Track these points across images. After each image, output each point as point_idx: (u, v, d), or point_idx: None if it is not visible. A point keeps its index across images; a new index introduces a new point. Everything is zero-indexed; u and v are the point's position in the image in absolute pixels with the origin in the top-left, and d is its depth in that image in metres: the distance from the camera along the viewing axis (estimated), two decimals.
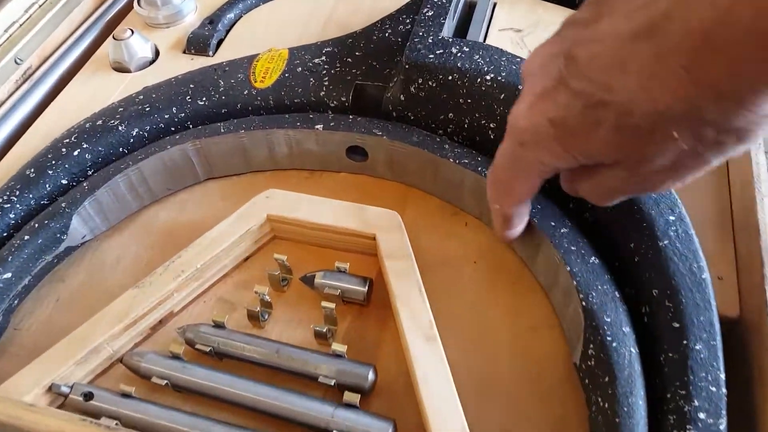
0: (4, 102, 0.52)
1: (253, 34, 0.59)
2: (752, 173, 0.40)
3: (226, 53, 0.57)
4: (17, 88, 0.53)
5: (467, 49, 0.45)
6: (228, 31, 0.59)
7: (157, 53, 0.58)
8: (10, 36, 0.53)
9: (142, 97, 0.49)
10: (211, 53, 0.57)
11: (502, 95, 0.43)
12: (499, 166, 0.34)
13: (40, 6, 0.54)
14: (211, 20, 0.58)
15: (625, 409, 0.32)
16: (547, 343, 0.39)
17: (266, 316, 0.42)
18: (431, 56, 0.45)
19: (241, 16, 0.61)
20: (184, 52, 0.57)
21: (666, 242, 0.36)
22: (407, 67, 0.45)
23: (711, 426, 0.31)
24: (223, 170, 0.49)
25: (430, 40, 0.46)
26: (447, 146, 0.44)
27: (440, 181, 0.46)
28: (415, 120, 0.47)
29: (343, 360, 0.38)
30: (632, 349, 0.34)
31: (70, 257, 0.46)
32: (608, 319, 0.35)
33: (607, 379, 0.33)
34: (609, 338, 0.34)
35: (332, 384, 0.37)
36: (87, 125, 0.47)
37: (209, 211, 0.48)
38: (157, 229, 0.47)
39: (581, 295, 0.36)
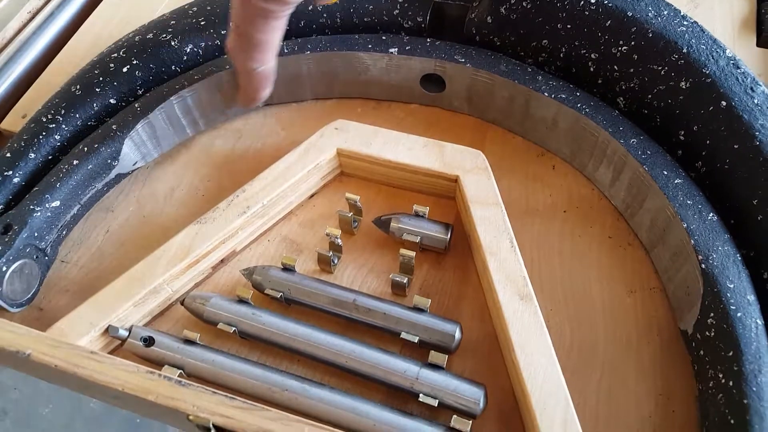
0: (41, 9, 0.47)
1: None
2: None
3: None
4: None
5: None
6: None
7: None
8: None
9: (196, 8, 0.44)
10: None
11: (608, 22, 0.38)
12: (236, 18, 0.33)
13: None
14: None
15: (754, 388, 0.28)
16: (649, 308, 0.36)
17: (336, 261, 0.38)
18: None
19: None
20: None
21: None
22: None
23: None
24: (283, 96, 0.45)
25: None
26: (540, 77, 0.39)
27: (529, 118, 0.41)
28: (502, 46, 0.42)
29: (426, 315, 0.34)
30: (758, 321, 0.30)
31: (119, 185, 0.42)
32: (731, 285, 0.31)
33: (731, 353, 0.30)
34: (733, 307, 0.30)
35: (415, 341, 0.34)
36: (136, 39, 0.42)
37: (268, 140, 0.44)
38: (212, 159, 0.43)
39: (700, 257, 0.32)
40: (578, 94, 0.38)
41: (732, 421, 0.28)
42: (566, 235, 0.39)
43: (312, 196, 0.41)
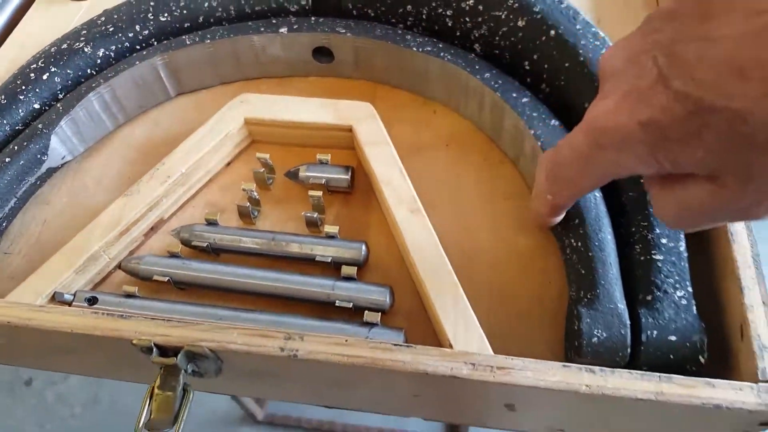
0: None
1: None
2: None
3: None
4: None
5: None
6: None
7: None
8: None
9: (104, 18, 0.49)
10: None
11: None
12: (564, 162, 0.31)
13: None
14: None
15: (596, 243, 0.35)
16: (521, 208, 0.43)
17: (256, 214, 0.44)
18: None
19: None
20: None
21: None
22: None
23: (672, 249, 0.35)
24: (193, 84, 0.50)
25: None
26: (409, 36, 0.46)
27: (406, 73, 0.47)
28: (375, 17, 0.48)
29: (336, 240, 0.40)
30: (596, 194, 0.37)
31: (51, 180, 0.46)
32: None
33: (577, 221, 0.36)
34: None
35: (329, 261, 0.39)
36: (52, 49, 0.47)
37: (183, 124, 0.49)
38: (134, 146, 0.48)
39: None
40: (440, 45, 0.45)
41: (583, 272, 0.35)
42: (449, 162, 0.45)
43: (229, 164, 0.47)
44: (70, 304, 0.39)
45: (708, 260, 0.37)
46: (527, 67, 0.44)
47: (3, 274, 0.43)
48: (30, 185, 0.44)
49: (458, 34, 0.46)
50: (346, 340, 0.32)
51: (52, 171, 0.45)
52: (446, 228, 0.41)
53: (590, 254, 0.35)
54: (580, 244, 0.36)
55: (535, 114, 0.41)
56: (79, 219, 0.44)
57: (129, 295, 0.39)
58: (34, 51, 0.49)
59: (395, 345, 0.31)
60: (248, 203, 0.43)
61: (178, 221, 0.44)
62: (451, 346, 0.34)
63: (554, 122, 0.40)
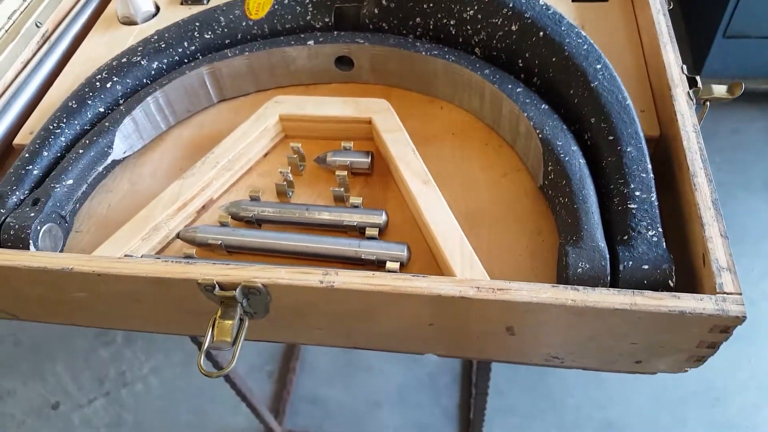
0: (31, 59, 0.60)
1: None
2: (656, 30, 0.51)
3: (218, 1, 0.65)
4: (39, 48, 0.61)
5: None
6: None
7: (157, 8, 0.66)
8: (29, 4, 0.61)
9: (156, 36, 0.57)
10: (205, 1, 0.65)
11: None
12: None
13: None
14: None
15: (580, 197, 0.42)
16: (517, 182, 0.50)
17: (291, 194, 0.51)
18: None
19: None
20: (181, 4, 0.66)
21: (596, 83, 0.47)
22: None
23: (645, 199, 0.42)
24: (233, 91, 0.58)
25: None
26: (418, 43, 0.54)
27: (416, 75, 0.55)
28: (389, 29, 0.57)
29: (360, 209, 0.47)
30: (580, 160, 0.44)
31: (113, 172, 0.54)
32: (560, 143, 0.45)
33: (564, 182, 0.43)
34: (562, 154, 0.44)
35: (354, 225, 0.46)
36: (114, 62, 0.56)
37: (225, 125, 0.57)
38: (184, 144, 0.56)
39: (538, 131, 0.46)
40: (446, 49, 0.53)
41: (569, 221, 0.42)
42: (456, 147, 0.52)
43: (266, 155, 0.54)
44: None
45: (677, 206, 0.43)
46: (521, 65, 0.52)
47: (76, 248, 0.50)
48: (98, 174, 0.52)
49: (461, 40, 0.54)
50: (374, 274, 0.38)
51: (116, 163, 0.53)
52: (454, 197, 0.48)
53: (575, 206, 0.42)
54: (567, 200, 0.43)
55: (527, 100, 0.48)
56: (139, 204, 0.52)
57: (188, 257, 0.46)
58: (94, 67, 0.57)
59: (413, 276, 0.38)
60: (285, 184, 0.50)
61: (224, 200, 0.52)
62: None
63: (544, 106, 0.48)
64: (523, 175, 0.50)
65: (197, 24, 0.58)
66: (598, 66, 0.48)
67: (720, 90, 0.48)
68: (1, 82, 0.58)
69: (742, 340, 1.35)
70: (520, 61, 0.52)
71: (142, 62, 0.56)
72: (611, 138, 0.44)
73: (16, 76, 0.59)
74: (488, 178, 0.50)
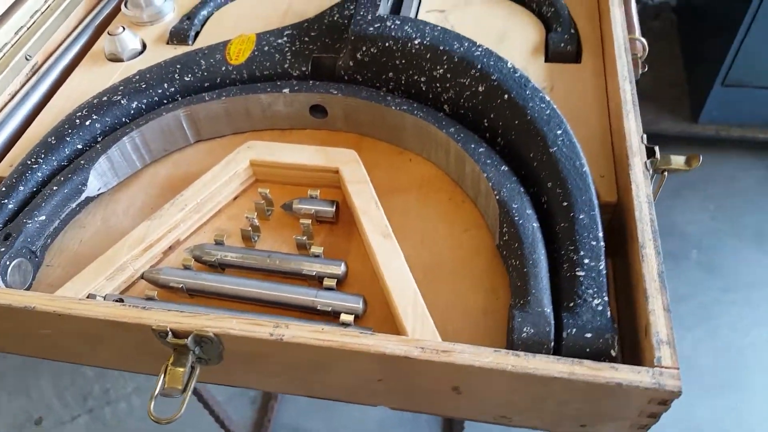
0: (18, 91, 0.61)
1: (224, 26, 0.70)
2: (621, 98, 0.53)
3: (204, 42, 0.68)
4: (27, 80, 0.63)
5: (399, 22, 0.57)
6: (203, 25, 0.70)
7: (144, 46, 0.68)
8: (20, 37, 0.62)
9: (138, 76, 0.59)
10: (190, 42, 0.67)
11: (428, 54, 0.55)
12: None
13: (42, 12, 0.64)
14: (189, 16, 0.69)
15: (531, 261, 0.44)
16: (477, 238, 0.51)
17: (256, 238, 0.52)
18: (371, 29, 0.56)
19: (213, 13, 0.71)
20: (167, 44, 0.68)
21: (555, 149, 0.48)
22: (353, 38, 0.57)
23: (593, 267, 0.43)
24: (209, 133, 0.60)
25: (370, 17, 0.58)
26: (389, 97, 0.56)
27: (387, 127, 0.57)
28: (363, 81, 0.58)
29: (320, 258, 0.48)
30: (534, 224, 0.46)
31: (87, 208, 0.55)
32: (515, 206, 0.47)
33: (516, 244, 0.45)
34: (517, 217, 0.46)
35: (313, 275, 0.47)
36: (95, 101, 0.57)
37: (200, 166, 0.58)
38: (158, 183, 0.57)
39: (495, 192, 0.48)
40: (415, 105, 0.55)
41: (519, 284, 0.43)
42: (420, 201, 0.54)
43: (236, 198, 0.56)
44: None
45: (627, 275, 0.45)
46: (486, 124, 0.53)
47: (45, 282, 0.51)
48: (71, 210, 0.53)
49: (430, 96, 0.56)
50: (323, 328, 0.39)
51: (89, 200, 0.54)
52: (414, 250, 0.49)
53: (525, 270, 0.43)
54: (518, 262, 0.44)
55: (488, 161, 0.50)
56: (110, 240, 0.53)
57: (149, 298, 0.47)
58: (77, 102, 0.59)
59: (361, 332, 0.39)
60: (250, 229, 0.51)
61: (191, 242, 0.53)
62: None
63: (504, 168, 0.49)
64: (484, 231, 0.51)
65: (178, 66, 0.60)
66: (559, 132, 0.49)
67: (678, 161, 0.49)
68: None
69: (728, 389, 1.37)
70: (485, 121, 0.53)
71: (122, 101, 0.57)
72: (565, 204, 0.46)
73: (2, 109, 0.61)
74: (450, 233, 0.52)
